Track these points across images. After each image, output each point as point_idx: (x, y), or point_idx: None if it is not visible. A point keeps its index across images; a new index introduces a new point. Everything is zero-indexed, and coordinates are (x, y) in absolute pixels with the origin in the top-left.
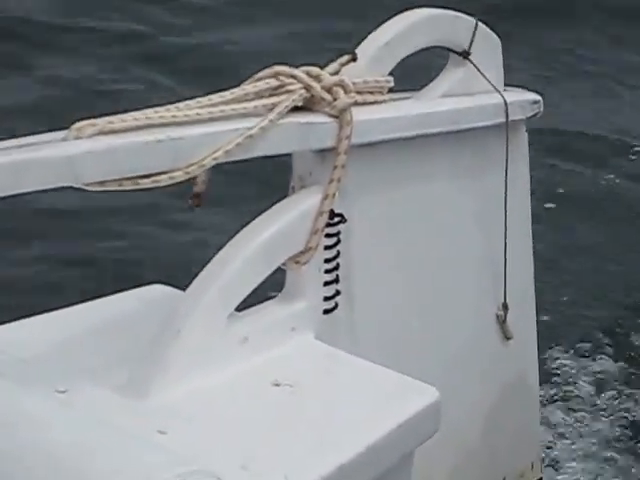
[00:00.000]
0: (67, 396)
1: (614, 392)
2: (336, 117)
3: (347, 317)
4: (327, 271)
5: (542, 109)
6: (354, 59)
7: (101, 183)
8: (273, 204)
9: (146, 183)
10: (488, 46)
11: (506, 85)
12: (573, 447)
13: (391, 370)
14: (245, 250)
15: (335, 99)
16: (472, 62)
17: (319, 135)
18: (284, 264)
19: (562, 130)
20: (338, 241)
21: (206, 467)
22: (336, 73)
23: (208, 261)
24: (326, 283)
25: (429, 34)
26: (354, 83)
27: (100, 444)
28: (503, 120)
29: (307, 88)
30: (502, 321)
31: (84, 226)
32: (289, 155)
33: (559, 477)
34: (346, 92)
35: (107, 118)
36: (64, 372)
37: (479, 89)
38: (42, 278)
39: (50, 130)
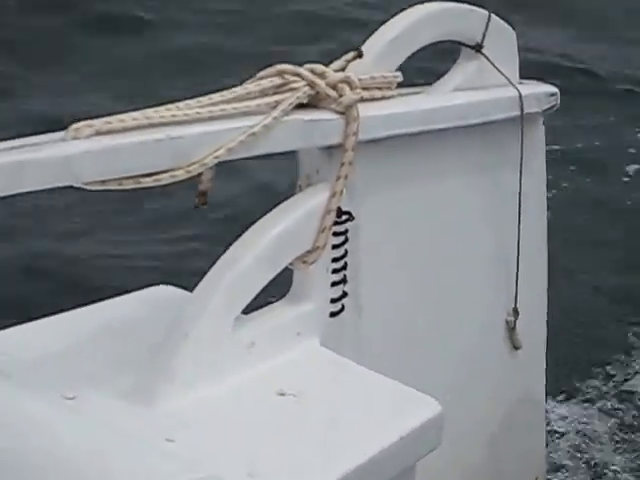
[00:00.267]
0: (75, 403)
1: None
2: (342, 114)
3: (353, 320)
4: (335, 271)
5: (559, 101)
6: (360, 55)
7: (102, 182)
8: (279, 203)
9: (147, 182)
10: (502, 38)
11: (522, 78)
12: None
13: (395, 381)
14: (252, 250)
15: (341, 95)
16: (485, 55)
17: (325, 132)
18: (291, 264)
19: None
20: (346, 240)
21: (214, 474)
22: (342, 70)
23: (215, 261)
24: (333, 284)
25: (438, 28)
26: (360, 79)
27: (114, 452)
28: (518, 113)
29: (311, 85)
30: (511, 328)
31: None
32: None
33: None
34: (352, 88)
35: (105, 119)
36: (70, 377)
37: (493, 82)
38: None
39: (48, 131)
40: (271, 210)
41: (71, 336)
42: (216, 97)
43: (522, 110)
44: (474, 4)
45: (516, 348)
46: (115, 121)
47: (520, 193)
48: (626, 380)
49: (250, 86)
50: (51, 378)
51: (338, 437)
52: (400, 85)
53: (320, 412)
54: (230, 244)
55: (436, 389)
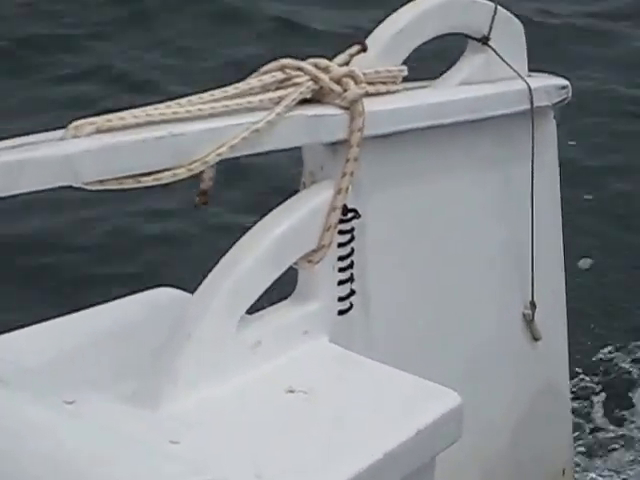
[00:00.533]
0: (75, 407)
1: None
2: (347, 109)
3: (362, 318)
4: (341, 269)
5: (570, 94)
6: (364, 49)
7: (101, 182)
8: (283, 201)
9: (148, 181)
10: (509, 31)
11: (532, 71)
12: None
13: (410, 374)
14: (255, 250)
15: (345, 90)
16: (492, 48)
17: (329, 128)
18: (296, 263)
19: None
20: (352, 238)
21: (220, 476)
22: (346, 64)
23: (217, 262)
24: (340, 282)
25: (444, 21)
26: (365, 74)
27: (117, 455)
28: (527, 107)
29: (315, 80)
30: (530, 320)
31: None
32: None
33: None
34: (356, 83)
35: (105, 116)
36: (70, 381)
37: (501, 76)
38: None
39: (47, 130)
40: (275, 208)
41: (71, 339)
42: (218, 93)
43: (532, 103)
44: None
45: (536, 339)
46: (115, 119)
47: (532, 186)
48: None
49: (253, 81)
50: (51, 382)
51: (352, 433)
52: (404, 79)
53: (331, 408)
54: (233, 243)
55: (454, 383)
